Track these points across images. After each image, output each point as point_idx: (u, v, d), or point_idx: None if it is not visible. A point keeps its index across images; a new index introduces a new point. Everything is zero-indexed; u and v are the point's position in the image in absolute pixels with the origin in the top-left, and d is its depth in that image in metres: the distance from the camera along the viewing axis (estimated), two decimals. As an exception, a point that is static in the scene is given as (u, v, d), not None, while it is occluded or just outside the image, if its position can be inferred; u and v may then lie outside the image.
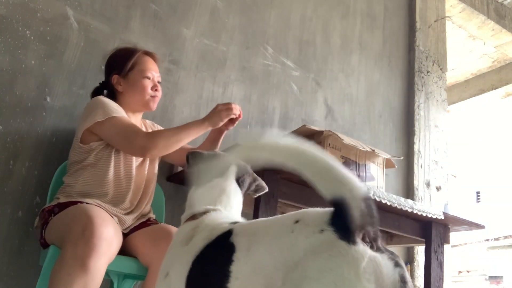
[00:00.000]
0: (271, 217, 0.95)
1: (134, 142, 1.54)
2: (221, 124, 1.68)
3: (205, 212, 1.09)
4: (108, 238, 1.26)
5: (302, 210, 0.88)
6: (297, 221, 0.83)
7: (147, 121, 1.90)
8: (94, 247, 1.21)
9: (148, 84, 1.74)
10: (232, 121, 1.76)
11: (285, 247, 0.80)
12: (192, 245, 0.99)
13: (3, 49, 1.81)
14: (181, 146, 1.84)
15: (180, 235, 1.08)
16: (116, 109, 1.59)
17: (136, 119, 1.78)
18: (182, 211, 2.06)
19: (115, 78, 1.74)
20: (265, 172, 1.71)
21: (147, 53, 1.80)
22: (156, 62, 1.82)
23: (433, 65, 3.33)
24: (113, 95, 1.74)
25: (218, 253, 0.93)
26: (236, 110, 1.70)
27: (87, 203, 1.45)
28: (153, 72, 1.77)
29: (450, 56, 3.95)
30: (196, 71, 2.29)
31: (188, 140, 1.64)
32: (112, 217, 1.45)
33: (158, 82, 1.79)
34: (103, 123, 1.55)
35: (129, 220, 1.58)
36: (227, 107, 1.67)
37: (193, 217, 1.10)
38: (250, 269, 0.84)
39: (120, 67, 1.73)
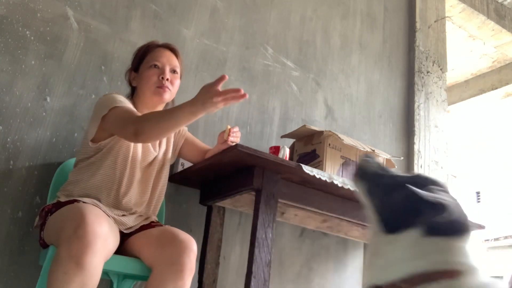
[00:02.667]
0: None
1: (126, 128, 1.46)
2: (216, 110, 1.38)
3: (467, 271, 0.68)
4: (103, 235, 1.24)
5: None
6: None
7: None
8: (88, 244, 1.20)
9: (154, 73, 1.66)
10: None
11: None
12: None
13: (3, 49, 1.81)
14: (197, 146, 1.86)
15: None
16: (120, 101, 1.55)
17: None
18: (182, 211, 2.08)
19: (131, 74, 1.74)
20: (265, 172, 1.71)
21: (161, 45, 1.75)
22: (175, 54, 1.74)
23: (433, 65, 3.33)
24: (133, 93, 1.75)
25: None
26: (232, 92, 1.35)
27: (83, 202, 1.45)
28: (163, 61, 1.68)
29: (450, 56, 3.94)
30: (196, 71, 2.29)
31: (179, 127, 1.47)
32: (108, 216, 1.45)
33: (174, 72, 1.70)
34: (107, 116, 1.52)
35: (130, 222, 1.57)
36: (216, 94, 1.32)
37: (449, 274, 0.67)
38: None
39: (133, 62, 1.74)
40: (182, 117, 1.39)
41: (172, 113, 1.40)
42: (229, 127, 1.73)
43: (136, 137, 1.44)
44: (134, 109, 1.57)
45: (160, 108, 1.75)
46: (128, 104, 1.57)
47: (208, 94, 1.33)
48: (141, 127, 1.42)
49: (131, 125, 1.44)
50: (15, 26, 1.85)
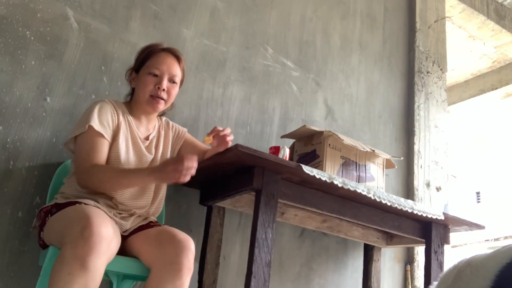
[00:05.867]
0: None
1: (78, 170, 1.51)
2: (168, 182, 1.50)
3: None
4: (108, 237, 1.25)
5: None
6: None
7: (163, 118, 1.83)
8: (93, 246, 1.20)
9: (151, 81, 1.63)
10: (225, 142, 1.65)
11: None
12: None
13: (3, 50, 1.81)
14: (196, 147, 1.83)
15: None
16: (94, 119, 1.52)
17: (149, 120, 1.73)
18: (181, 212, 2.08)
19: (131, 74, 1.72)
20: (265, 172, 1.71)
21: (165, 49, 1.70)
22: (178, 60, 1.69)
23: (433, 65, 3.33)
24: (133, 93, 1.73)
25: None
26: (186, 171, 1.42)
27: (85, 203, 1.45)
28: (163, 69, 1.64)
29: (450, 57, 3.95)
30: (196, 72, 2.29)
31: (128, 188, 1.54)
32: (110, 217, 1.45)
33: (173, 82, 1.66)
34: (77, 139, 1.55)
35: (128, 223, 1.57)
36: (178, 169, 1.41)
37: None
38: None
39: (135, 62, 1.72)
40: (135, 183, 1.50)
41: (126, 176, 1.47)
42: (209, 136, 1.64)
43: (80, 183, 1.51)
44: (99, 147, 1.52)
45: (153, 116, 1.73)
46: (104, 120, 1.55)
47: (170, 171, 1.41)
48: (84, 182, 1.50)
49: (81, 173, 1.50)
50: (15, 26, 1.85)
